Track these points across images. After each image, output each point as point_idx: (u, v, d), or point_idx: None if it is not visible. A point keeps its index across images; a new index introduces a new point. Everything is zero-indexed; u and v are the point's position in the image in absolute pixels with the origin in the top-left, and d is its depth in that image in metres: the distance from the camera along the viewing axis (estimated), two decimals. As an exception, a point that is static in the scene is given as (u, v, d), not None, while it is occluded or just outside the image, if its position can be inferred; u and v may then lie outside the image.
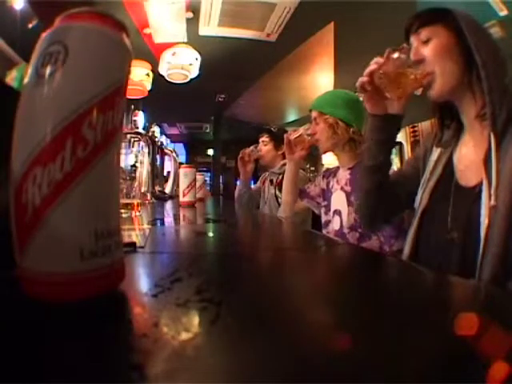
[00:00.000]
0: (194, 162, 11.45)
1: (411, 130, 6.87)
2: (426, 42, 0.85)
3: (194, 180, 1.76)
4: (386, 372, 0.19)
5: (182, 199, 1.73)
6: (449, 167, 0.89)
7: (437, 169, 0.92)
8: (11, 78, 2.11)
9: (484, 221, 0.73)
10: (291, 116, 8.17)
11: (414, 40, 0.88)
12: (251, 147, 2.57)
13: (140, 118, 2.60)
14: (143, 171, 2.16)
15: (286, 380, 0.18)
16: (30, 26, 2.18)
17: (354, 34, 3.99)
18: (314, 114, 1.64)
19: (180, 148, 11.48)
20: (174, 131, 9.46)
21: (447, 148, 0.92)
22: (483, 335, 0.22)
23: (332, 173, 1.70)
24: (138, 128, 2.31)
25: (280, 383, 0.18)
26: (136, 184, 1.25)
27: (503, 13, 3.35)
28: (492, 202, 0.72)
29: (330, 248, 0.64)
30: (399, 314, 0.28)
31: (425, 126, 6.44)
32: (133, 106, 2.52)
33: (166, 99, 5.26)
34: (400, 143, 7.17)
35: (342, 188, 1.59)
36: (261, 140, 2.62)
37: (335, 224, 1.57)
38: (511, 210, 0.70)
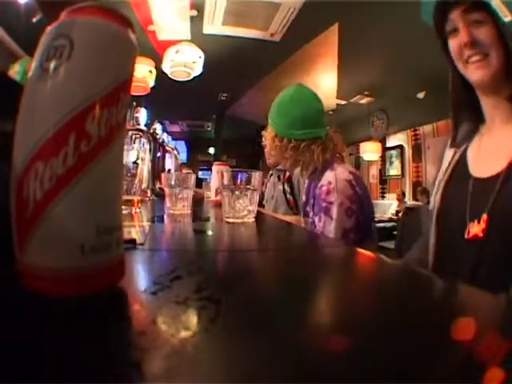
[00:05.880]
0: (194, 160, 11.47)
1: (412, 133, 6.87)
2: (478, 24, 0.79)
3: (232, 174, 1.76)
4: (384, 372, 0.19)
5: (213, 198, 1.69)
6: (462, 163, 0.86)
7: (450, 167, 0.89)
8: (14, 72, 2.11)
9: None
10: (293, 116, 8.15)
11: (459, 18, 0.81)
12: None
13: (142, 114, 2.60)
14: (144, 168, 2.16)
15: (286, 380, 0.18)
16: (34, 20, 2.17)
17: (358, 35, 3.99)
18: None
19: (181, 145, 11.48)
20: (175, 129, 9.47)
21: (461, 147, 0.89)
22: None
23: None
24: (139, 125, 2.31)
25: (279, 383, 0.18)
26: (137, 181, 1.24)
27: (508, 19, 3.35)
28: None
29: (327, 249, 0.64)
30: (392, 315, 0.28)
31: (426, 129, 6.45)
32: (135, 103, 2.52)
33: (169, 96, 5.27)
34: (401, 146, 7.17)
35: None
36: (264, 133, 2.57)
37: None
38: None
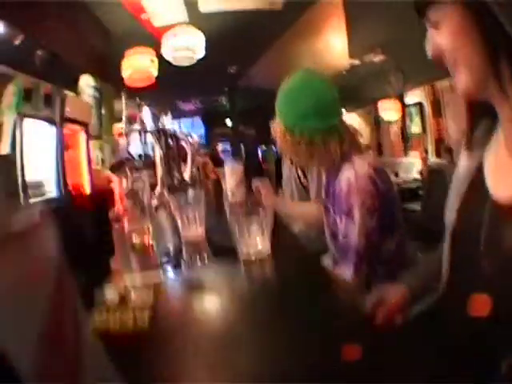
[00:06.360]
0: (213, 134, 11.43)
1: (430, 89, 6.55)
2: (436, 27, 0.64)
3: (241, 181, 1.76)
4: None
5: (230, 199, 1.74)
6: (479, 175, 0.70)
7: (466, 178, 0.74)
8: (10, 93, 2.11)
9: None
10: (307, 80, 7.90)
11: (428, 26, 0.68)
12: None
13: (146, 113, 2.57)
14: (158, 169, 2.17)
15: None
16: (17, 42, 2.15)
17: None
18: None
19: (197, 122, 11.46)
20: (189, 107, 9.40)
21: (477, 150, 0.73)
22: None
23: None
24: (145, 125, 2.30)
25: None
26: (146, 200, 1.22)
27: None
28: None
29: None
30: None
31: (443, 84, 6.13)
32: (138, 99, 2.47)
33: (177, 78, 5.15)
34: (420, 103, 6.87)
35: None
36: (273, 124, 2.50)
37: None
38: None
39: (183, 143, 3.37)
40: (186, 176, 3.03)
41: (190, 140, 3.53)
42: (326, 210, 1.43)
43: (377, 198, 1.19)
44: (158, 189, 2.08)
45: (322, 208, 1.49)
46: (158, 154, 2.25)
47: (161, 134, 2.15)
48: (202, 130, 11.64)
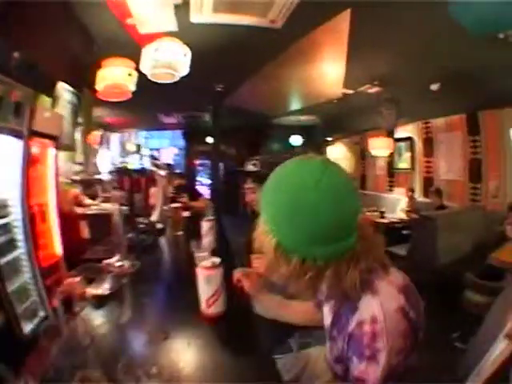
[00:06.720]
0: (192, 150, 11.10)
1: (424, 125, 6.39)
2: None
3: (220, 286, 1.42)
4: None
5: (204, 311, 1.40)
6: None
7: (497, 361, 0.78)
8: None
9: None
10: (295, 105, 7.69)
11: None
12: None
13: (101, 159, 2.20)
14: (115, 216, 1.77)
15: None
16: None
17: (372, 22, 3.45)
18: None
19: (178, 136, 11.14)
20: (171, 120, 8.98)
21: None
22: None
23: None
24: (100, 174, 1.96)
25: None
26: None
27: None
28: None
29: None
30: None
31: (439, 122, 5.99)
32: (101, 134, 2.11)
33: (160, 91, 4.75)
34: (411, 138, 6.70)
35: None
36: (246, 188, 2.30)
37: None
38: None
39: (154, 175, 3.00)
40: (155, 216, 2.65)
41: (162, 173, 3.15)
42: (331, 339, 1.05)
43: (408, 337, 0.86)
44: (117, 257, 1.69)
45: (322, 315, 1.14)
46: (116, 212, 1.87)
47: (122, 173, 1.78)
48: (181, 143, 11.33)
